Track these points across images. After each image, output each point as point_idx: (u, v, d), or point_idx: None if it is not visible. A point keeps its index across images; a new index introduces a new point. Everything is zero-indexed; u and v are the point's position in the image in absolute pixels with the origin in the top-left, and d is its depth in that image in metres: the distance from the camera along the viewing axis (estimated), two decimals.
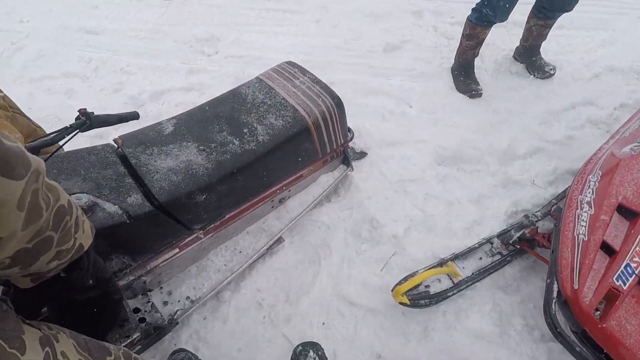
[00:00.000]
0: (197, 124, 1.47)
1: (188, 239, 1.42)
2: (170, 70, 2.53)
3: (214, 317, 1.53)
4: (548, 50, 2.51)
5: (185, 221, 1.34)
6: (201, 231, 1.43)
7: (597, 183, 1.34)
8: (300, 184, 1.73)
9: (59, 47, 2.71)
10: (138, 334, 1.24)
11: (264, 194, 1.55)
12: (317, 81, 1.62)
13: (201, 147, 1.38)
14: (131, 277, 1.33)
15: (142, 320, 1.36)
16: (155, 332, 1.35)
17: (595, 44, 2.60)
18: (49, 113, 2.11)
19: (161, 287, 1.51)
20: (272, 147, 1.42)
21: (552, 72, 2.38)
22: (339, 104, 1.59)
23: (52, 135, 1.09)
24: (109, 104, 2.26)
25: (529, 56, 2.44)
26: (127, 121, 1.27)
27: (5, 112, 1.46)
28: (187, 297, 1.49)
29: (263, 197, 1.57)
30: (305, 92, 1.57)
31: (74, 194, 1.16)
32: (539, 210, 1.62)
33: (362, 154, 2.01)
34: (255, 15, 3.02)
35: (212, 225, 1.45)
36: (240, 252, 1.62)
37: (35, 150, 1.05)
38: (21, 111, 1.65)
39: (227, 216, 1.48)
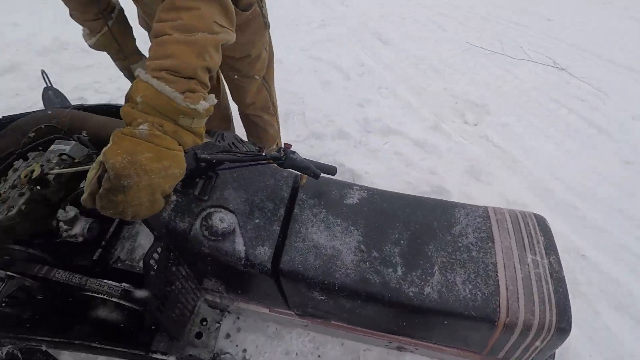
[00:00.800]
0: (381, 213, 1.21)
1: (283, 310, 1.24)
2: (416, 114, 2.31)
3: None
4: None
5: (289, 301, 1.16)
6: (297, 316, 1.23)
7: None
8: (434, 352, 1.29)
9: (353, 34, 2.85)
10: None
11: (387, 335, 1.21)
12: (558, 280, 1.07)
13: (362, 247, 1.12)
14: (217, 300, 1.27)
15: (199, 335, 1.30)
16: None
17: None
18: (299, 92, 2.24)
19: (238, 318, 1.42)
20: (430, 309, 1.04)
21: None
22: (562, 332, 1.02)
23: (240, 154, 1.03)
24: (345, 112, 2.23)
25: None
26: (317, 177, 1.11)
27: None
28: (244, 350, 1.35)
29: (384, 335, 1.23)
30: (529, 282, 1.06)
31: (227, 208, 1.11)
32: None
33: None
34: (556, 111, 2.39)
35: (313, 318, 1.23)
36: (319, 356, 1.35)
37: (218, 164, 1.02)
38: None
39: (332, 322, 1.23)
